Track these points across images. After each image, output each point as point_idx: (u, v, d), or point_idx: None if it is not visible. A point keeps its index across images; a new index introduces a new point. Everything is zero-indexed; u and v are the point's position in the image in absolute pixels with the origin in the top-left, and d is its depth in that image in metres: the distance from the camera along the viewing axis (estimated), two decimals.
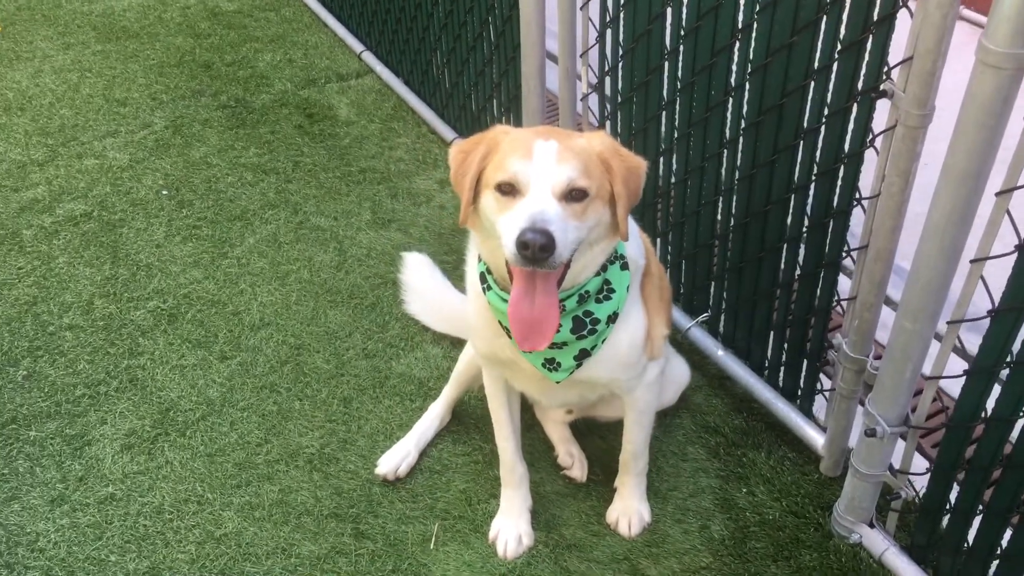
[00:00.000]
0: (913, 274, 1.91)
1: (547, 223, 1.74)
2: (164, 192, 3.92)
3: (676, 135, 2.71)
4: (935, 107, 1.85)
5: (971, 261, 1.84)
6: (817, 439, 2.57)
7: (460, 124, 4.13)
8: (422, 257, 3.28)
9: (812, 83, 2.16)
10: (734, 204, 2.59)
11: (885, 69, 1.95)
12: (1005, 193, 1.73)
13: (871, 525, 2.38)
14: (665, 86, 2.68)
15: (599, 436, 2.79)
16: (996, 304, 1.83)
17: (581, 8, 2.93)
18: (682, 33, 2.50)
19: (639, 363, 2.22)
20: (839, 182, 2.19)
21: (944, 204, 1.78)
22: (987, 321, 1.87)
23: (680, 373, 2.73)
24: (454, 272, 3.42)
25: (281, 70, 4.88)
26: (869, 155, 2.08)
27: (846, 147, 2.13)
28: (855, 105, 2.06)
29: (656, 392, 2.36)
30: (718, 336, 2.93)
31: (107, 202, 3.86)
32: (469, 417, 2.87)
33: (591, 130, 1.91)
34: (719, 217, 2.68)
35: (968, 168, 1.72)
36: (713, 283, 2.84)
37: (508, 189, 1.85)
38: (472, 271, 2.19)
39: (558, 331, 2.01)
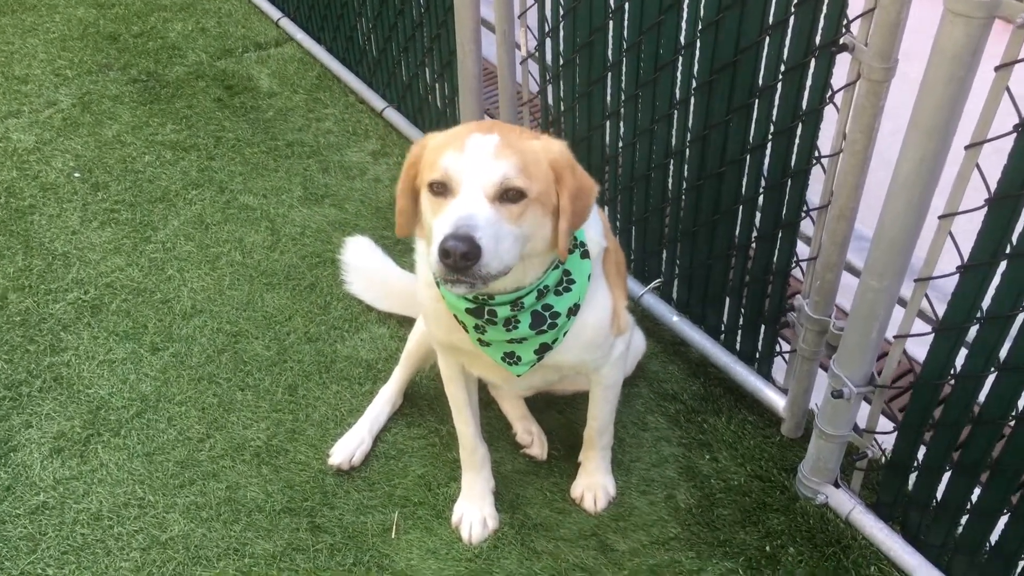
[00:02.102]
0: (880, 231, 1.88)
1: (473, 228, 1.62)
2: (76, 175, 3.67)
3: (623, 98, 2.63)
4: (898, 60, 1.80)
5: (939, 217, 1.81)
6: (778, 401, 2.55)
7: (389, 92, 3.97)
8: (363, 239, 3.13)
9: (767, 38, 2.09)
10: (686, 167, 2.52)
11: (844, 22, 1.89)
12: (975, 147, 1.70)
13: (836, 485, 2.38)
14: (610, 47, 2.58)
15: (557, 410, 2.72)
16: (965, 260, 1.80)
17: None
18: None
19: (606, 342, 2.14)
20: (797, 141, 2.14)
21: (912, 158, 1.74)
22: (951, 282, 1.85)
23: (637, 343, 2.67)
24: (395, 248, 3.29)
25: (194, 40, 4.61)
26: (828, 112, 2.03)
27: (804, 104, 2.08)
28: (813, 60, 2.00)
29: (622, 366, 2.29)
30: (671, 302, 2.88)
31: (14, 188, 3.59)
32: (422, 398, 2.77)
33: (540, 133, 1.81)
34: (671, 181, 2.62)
35: (936, 122, 1.68)
36: (665, 248, 2.79)
37: (440, 188, 1.72)
38: (422, 260, 2.07)
39: (516, 326, 1.92)
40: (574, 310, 1.97)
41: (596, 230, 2.08)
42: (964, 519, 2.07)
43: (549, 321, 1.94)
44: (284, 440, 2.63)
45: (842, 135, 2.01)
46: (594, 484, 2.47)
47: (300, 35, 4.53)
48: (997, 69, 1.62)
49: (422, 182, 1.80)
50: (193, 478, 2.52)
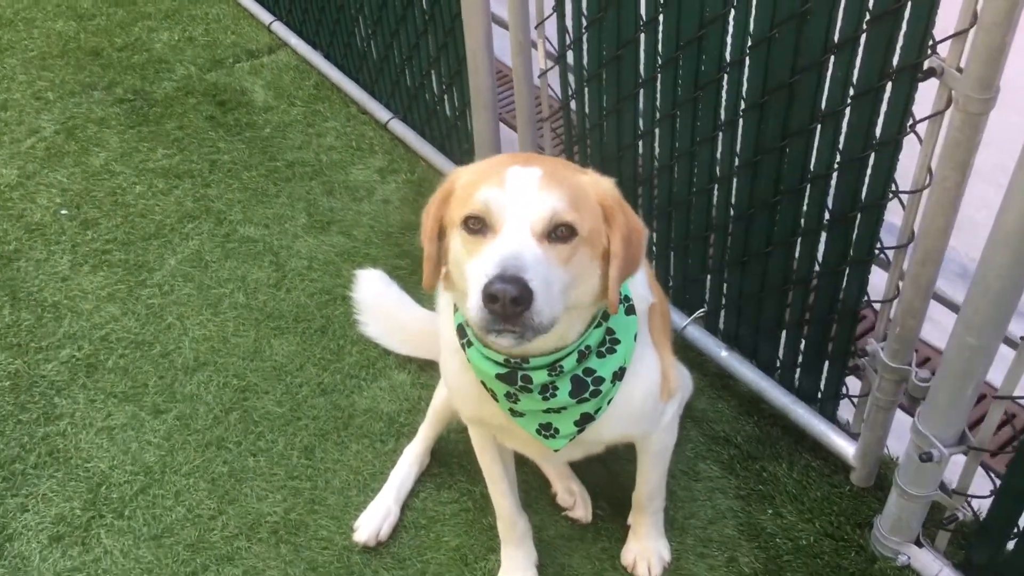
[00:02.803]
0: (979, 285, 1.62)
1: (522, 269, 1.37)
2: (63, 212, 3.42)
3: (658, 116, 2.35)
4: (1000, 88, 1.53)
5: None
6: (847, 448, 2.30)
7: (394, 102, 3.68)
8: (375, 273, 2.88)
9: (832, 58, 1.81)
10: (734, 193, 2.25)
11: (931, 42, 1.61)
12: None
13: (919, 544, 2.13)
14: (642, 61, 2.30)
15: (600, 462, 2.47)
16: None
17: None
18: (661, 0, 2.12)
19: (656, 411, 1.90)
20: (869, 172, 1.87)
21: (1020, 207, 1.47)
22: None
23: (684, 383, 2.42)
24: (410, 279, 3.04)
25: (182, 51, 4.32)
26: (910, 140, 1.76)
27: (878, 132, 1.80)
28: (889, 84, 1.72)
29: (674, 432, 2.05)
30: (717, 333, 2.62)
31: None
32: (450, 455, 2.53)
33: (583, 167, 1.57)
34: (715, 207, 2.35)
35: None
36: (710, 276, 2.52)
37: (476, 225, 1.47)
38: (447, 322, 1.82)
39: (554, 394, 1.67)
40: (620, 374, 1.72)
41: (642, 283, 1.83)
42: None
43: (592, 388, 1.68)
44: (303, 513, 2.40)
45: (927, 169, 1.74)
46: (647, 549, 2.23)
47: (294, 40, 4.23)
48: None
49: (451, 221, 1.55)
50: (206, 563, 2.29)
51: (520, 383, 1.65)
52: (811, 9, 1.78)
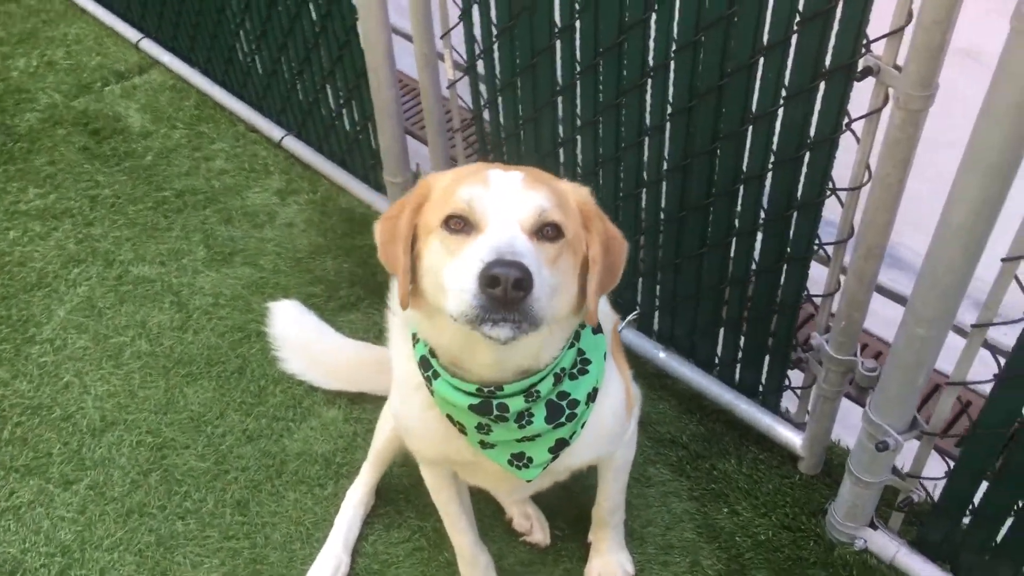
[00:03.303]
0: (928, 279, 1.63)
1: (520, 255, 1.30)
2: None
3: (579, 123, 2.29)
4: (939, 84, 1.53)
5: (1004, 260, 1.57)
6: (793, 439, 2.31)
7: (286, 118, 3.50)
8: (289, 304, 2.73)
9: (761, 60, 1.79)
10: (664, 197, 2.22)
11: (864, 41, 1.60)
12: None
13: (873, 526, 2.17)
14: (559, 68, 2.23)
15: None
16: None
17: None
18: (576, 7, 2.05)
19: (623, 429, 1.85)
20: (804, 171, 1.86)
21: (971, 200, 1.49)
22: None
23: (638, 395, 2.37)
24: (327, 306, 2.90)
25: (42, 78, 3.99)
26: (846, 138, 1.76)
27: (812, 132, 1.79)
28: (822, 85, 1.71)
29: (634, 444, 2.01)
30: (653, 335, 2.60)
31: None
32: (395, 492, 2.42)
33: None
34: (644, 211, 2.31)
35: (1000, 160, 1.43)
36: (642, 279, 2.49)
37: (459, 224, 1.40)
38: (405, 357, 1.71)
39: (530, 421, 1.60)
40: (593, 395, 1.66)
41: (604, 299, 1.77)
42: None
43: (568, 412, 1.61)
44: (246, 575, 2.24)
45: (865, 166, 1.74)
46: (610, 565, 2.19)
47: (167, 57, 3.97)
48: None
49: (426, 228, 1.46)
50: None
51: (496, 412, 1.56)
52: (737, 12, 1.75)
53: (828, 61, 1.68)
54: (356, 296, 2.94)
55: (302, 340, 2.68)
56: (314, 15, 2.91)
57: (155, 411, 2.63)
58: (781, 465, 2.39)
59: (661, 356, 2.54)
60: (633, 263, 2.48)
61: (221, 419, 2.61)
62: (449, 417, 1.65)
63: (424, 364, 1.61)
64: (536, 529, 2.29)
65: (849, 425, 2.31)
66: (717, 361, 2.45)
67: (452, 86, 2.63)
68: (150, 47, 4.05)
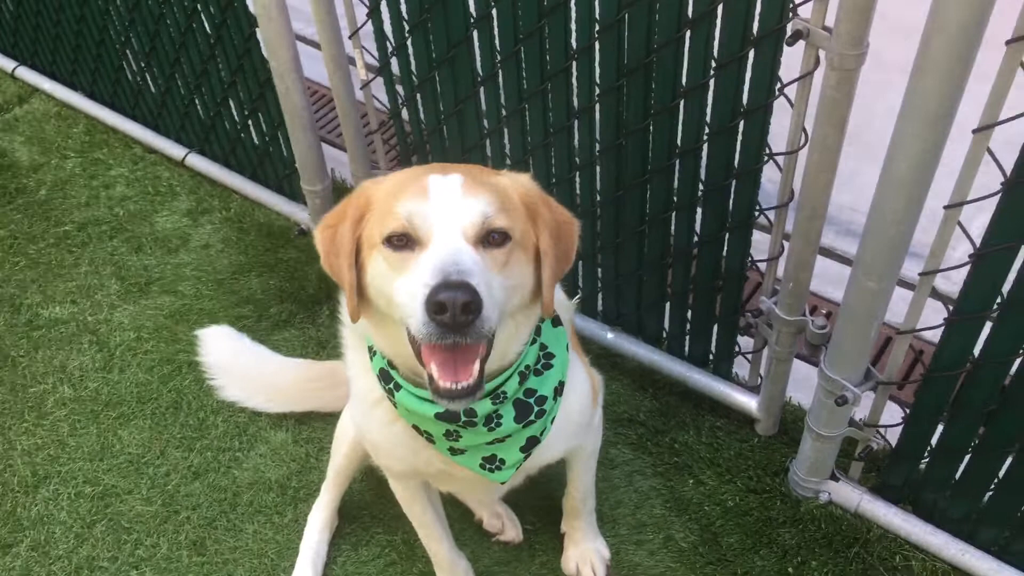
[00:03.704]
0: (876, 231, 1.66)
1: (465, 274, 1.26)
2: None
3: (503, 112, 2.26)
4: (869, 43, 1.56)
5: (946, 207, 1.62)
6: (748, 403, 2.35)
7: (186, 135, 3.35)
8: (219, 329, 2.62)
9: (688, 33, 1.78)
10: (598, 178, 2.21)
11: (791, 5, 1.61)
12: (984, 130, 1.49)
13: (834, 478, 2.22)
14: (479, 59, 2.19)
15: None
16: (978, 246, 1.62)
17: None
18: None
19: (591, 419, 1.83)
20: (740, 140, 1.87)
21: (912, 151, 1.52)
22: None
23: (600, 381, 2.36)
24: (258, 326, 2.80)
25: None
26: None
27: (744, 100, 1.80)
28: (752, 53, 1.72)
29: (601, 430, 2.00)
30: (598, 316, 2.59)
31: None
32: (358, 509, 2.35)
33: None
34: (578, 195, 2.29)
35: (940, 110, 1.46)
36: (582, 262, 2.48)
37: (401, 241, 1.35)
38: (362, 371, 1.65)
39: (499, 423, 1.56)
40: (560, 389, 1.63)
41: (559, 289, 1.74)
42: (990, 493, 1.97)
43: (536, 409, 1.58)
44: None
45: (801, 128, 1.76)
46: (586, 552, 2.19)
47: (48, 84, 3.74)
48: (1009, 43, 1.40)
49: (369, 242, 1.40)
50: None
51: (464, 417, 1.52)
52: None
53: (756, 28, 1.68)
54: (288, 312, 2.84)
55: (239, 366, 2.57)
56: (207, 27, 2.78)
57: (90, 459, 2.49)
58: (739, 430, 2.42)
59: (609, 337, 2.54)
60: None
61: (162, 458, 2.49)
62: (415, 427, 1.60)
63: (384, 376, 1.56)
64: (507, 527, 2.26)
65: (799, 384, 2.36)
66: (665, 335, 2.47)
67: (366, 86, 2.56)
68: (27, 75, 3.81)
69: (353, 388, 1.73)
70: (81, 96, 3.66)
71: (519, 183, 1.50)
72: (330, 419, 2.49)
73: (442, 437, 1.58)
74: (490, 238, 1.36)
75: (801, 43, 1.63)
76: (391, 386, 1.54)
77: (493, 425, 1.56)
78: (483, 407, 1.52)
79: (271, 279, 2.95)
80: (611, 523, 2.29)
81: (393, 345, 1.49)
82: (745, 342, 2.33)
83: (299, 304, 2.85)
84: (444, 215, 1.34)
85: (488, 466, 1.64)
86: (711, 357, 2.40)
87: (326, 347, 2.72)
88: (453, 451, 1.62)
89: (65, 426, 2.57)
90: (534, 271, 1.47)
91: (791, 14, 1.62)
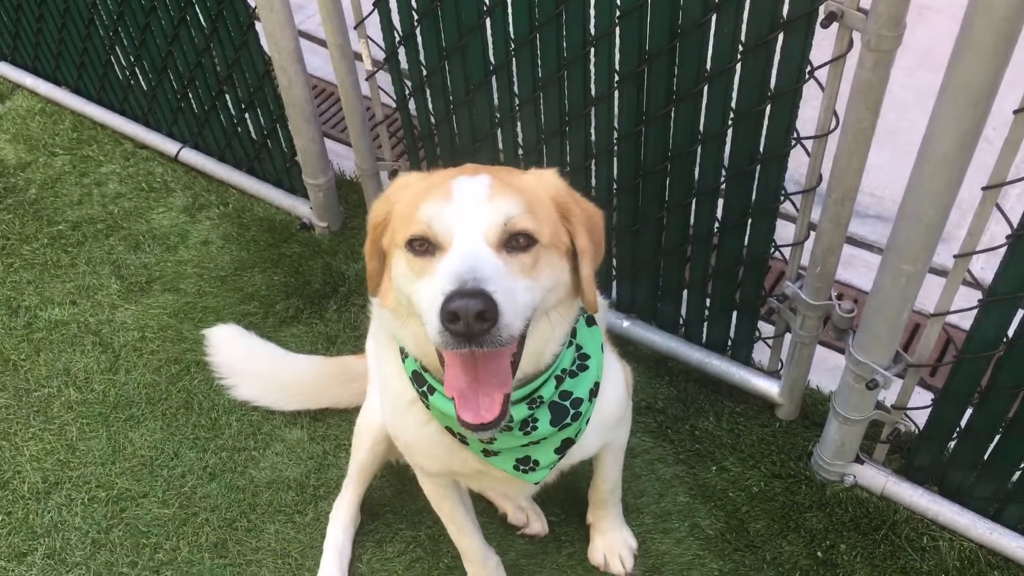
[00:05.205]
0: (913, 213, 1.65)
1: (482, 281, 1.23)
2: None
3: (517, 101, 2.22)
4: (906, 23, 1.54)
5: (984, 188, 1.61)
6: (770, 388, 2.34)
7: (179, 129, 3.27)
8: (226, 328, 2.57)
9: (714, 16, 1.76)
10: (616, 165, 2.18)
11: None
12: None
13: (859, 461, 2.22)
14: (491, 47, 2.15)
15: None
16: (1016, 227, 1.62)
17: None
18: None
19: (626, 414, 1.82)
20: (767, 124, 1.85)
21: (953, 132, 1.51)
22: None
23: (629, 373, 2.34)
24: (265, 323, 2.75)
25: None
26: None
27: (772, 84, 1.78)
28: (781, 36, 1.70)
29: (630, 421, 1.98)
30: (612, 304, 2.57)
31: None
32: (381, 505, 2.33)
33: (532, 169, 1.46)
34: (594, 181, 2.27)
35: (982, 89, 1.44)
36: None
37: (422, 246, 1.32)
38: (396, 374, 1.62)
39: (535, 427, 1.54)
40: (595, 391, 1.61)
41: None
42: (1018, 472, 1.97)
43: (572, 411, 1.57)
44: None
45: (832, 112, 1.74)
46: (614, 543, 2.18)
47: (30, 80, 3.64)
48: None
49: (393, 242, 1.39)
50: None
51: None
52: None
53: (786, 10, 1.66)
54: (294, 308, 2.79)
55: (250, 365, 2.53)
56: (202, 19, 2.71)
57: (101, 462, 2.44)
58: (759, 415, 2.42)
59: (625, 325, 2.52)
60: None
61: (176, 459, 2.44)
62: (449, 429, 1.58)
63: (418, 379, 1.53)
64: (533, 520, 2.24)
65: (815, 367, 2.35)
66: (682, 322, 2.45)
67: (371, 77, 2.51)
68: (8, 71, 3.72)
69: (384, 389, 1.70)
70: (65, 92, 3.57)
71: (546, 181, 1.47)
72: (346, 415, 2.47)
73: (476, 439, 1.56)
74: (515, 241, 1.32)
75: (834, 25, 1.61)
76: (424, 388, 1.52)
77: (529, 429, 1.54)
78: (519, 412, 1.50)
79: (275, 275, 2.89)
80: (636, 512, 2.28)
81: (419, 345, 1.47)
82: (764, 327, 2.31)
83: (305, 299, 2.81)
84: (465, 219, 1.31)
85: (522, 467, 1.62)
86: (730, 343, 2.39)
87: (335, 343, 2.68)
88: (487, 452, 1.60)
89: (73, 430, 2.52)
90: (569, 268, 1.44)
91: None
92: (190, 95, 3.07)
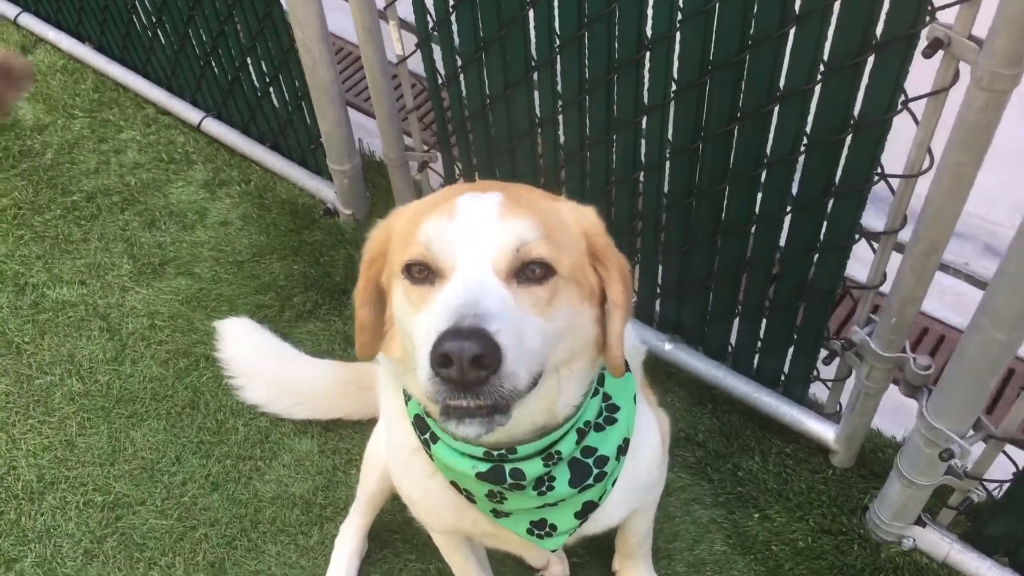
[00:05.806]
0: (1010, 278, 1.39)
1: (484, 318, 1.02)
2: None
3: (561, 102, 1.97)
4: None
5: None
6: (825, 432, 2.11)
7: (203, 97, 3.08)
8: (239, 321, 2.40)
9: (792, 30, 1.49)
10: (666, 180, 1.94)
11: (929, 8, 1.32)
12: None
13: (921, 523, 1.99)
14: (534, 41, 1.90)
15: None
16: None
17: None
18: None
19: (661, 473, 1.61)
20: (844, 154, 1.59)
21: None
22: None
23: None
24: (280, 317, 2.57)
25: None
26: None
27: (856, 112, 1.52)
28: (872, 58, 1.43)
29: (665, 475, 1.77)
30: (653, 323, 2.34)
31: None
32: (390, 533, 2.16)
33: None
34: (641, 197, 2.03)
35: None
36: (639, 265, 2.22)
37: (421, 272, 1.12)
38: (400, 418, 1.42)
39: (551, 487, 1.33)
40: (624, 448, 1.39)
41: (629, 327, 1.49)
42: None
43: (595, 471, 1.35)
44: None
45: (926, 149, 1.48)
46: None
47: (52, 34, 3.46)
48: None
49: (392, 272, 1.19)
50: None
51: (510, 479, 1.29)
52: None
53: (880, 30, 1.39)
54: (312, 302, 2.61)
55: (260, 365, 2.36)
56: None
57: (100, 463, 2.31)
58: (810, 458, 2.19)
59: (667, 348, 2.30)
60: (628, 249, 2.20)
61: (178, 465, 2.30)
62: (454, 484, 1.38)
63: (420, 425, 1.33)
64: (553, 563, 2.06)
65: (882, 408, 2.11)
66: (731, 350, 2.22)
67: (402, 63, 2.27)
68: (31, 22, 3.54)
69: (389, 431, 1.52)
70: (88, 49, 3.38)
71: (580, 214, 1.24)
72: (359, 427, 2.30)
73: (484, 498, 1.36)
74: (529, 271, 1.11)
75: (939, 53, 1.34)
76: (427, 436, 1.32)
77: (544, 489, 1.33)
78: (533, 468, 1.29)
79: (294, 264, 2.71)
80: (667, 558, 2.08)
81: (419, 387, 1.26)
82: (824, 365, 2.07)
83: (325, 293, 2.62)
84: (469, 242, 1.10)
85: (537, 532, 1.42)
86: (783, 378, 2.15)
87: (353, 343, 2.49)
88: (496, 513, 1.40)
89: (73, 424, 2.38)
90: (592, 317, 1.22)
91: (927, 17, 1.32)
92: (212, 63, 2.86)
